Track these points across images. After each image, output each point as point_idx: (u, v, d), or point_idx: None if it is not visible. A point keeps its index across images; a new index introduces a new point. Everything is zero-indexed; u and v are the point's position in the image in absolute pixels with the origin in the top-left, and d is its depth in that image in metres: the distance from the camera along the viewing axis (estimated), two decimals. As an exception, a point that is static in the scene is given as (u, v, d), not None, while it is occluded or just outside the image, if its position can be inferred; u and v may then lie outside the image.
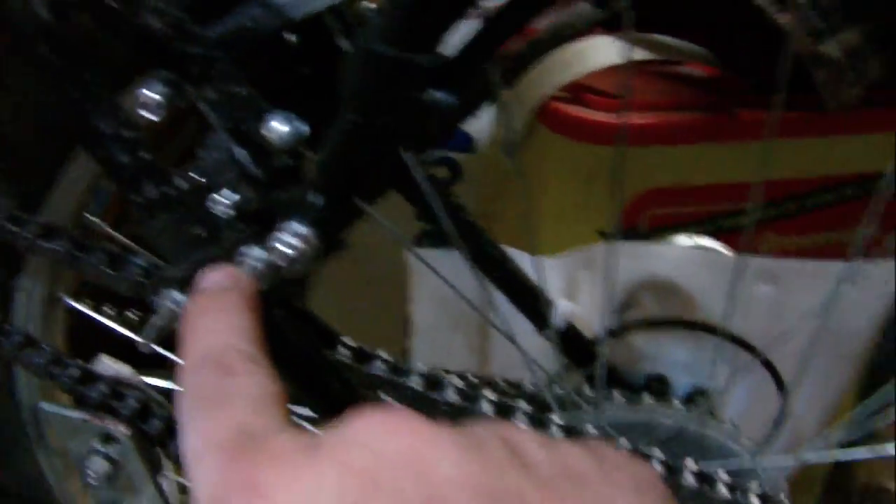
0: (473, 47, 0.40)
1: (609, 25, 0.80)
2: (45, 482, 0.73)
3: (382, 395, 0.53)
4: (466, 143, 0.90)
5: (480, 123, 0.89)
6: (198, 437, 0.28)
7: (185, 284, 0.46)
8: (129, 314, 0.70)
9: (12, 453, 0.70)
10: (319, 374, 0.52)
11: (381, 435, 0.24)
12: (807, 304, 0.60)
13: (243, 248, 0.44)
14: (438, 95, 0.39)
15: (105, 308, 0.69)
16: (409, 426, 0.24)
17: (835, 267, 0.75)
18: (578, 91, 0.81)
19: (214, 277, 0.38)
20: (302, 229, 0.43)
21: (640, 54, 0.83)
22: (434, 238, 0.94)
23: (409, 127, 0.40)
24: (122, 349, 0.63)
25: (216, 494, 0.25)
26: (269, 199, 0.45)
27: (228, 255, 0.44)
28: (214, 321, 0.34)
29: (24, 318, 0.62)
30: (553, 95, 0.81)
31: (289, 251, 0.42)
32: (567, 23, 0.76)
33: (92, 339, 0.66)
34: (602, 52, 0.79)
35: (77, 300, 0.64)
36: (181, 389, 0.31)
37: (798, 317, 0.60)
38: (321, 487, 0.23)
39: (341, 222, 0.45)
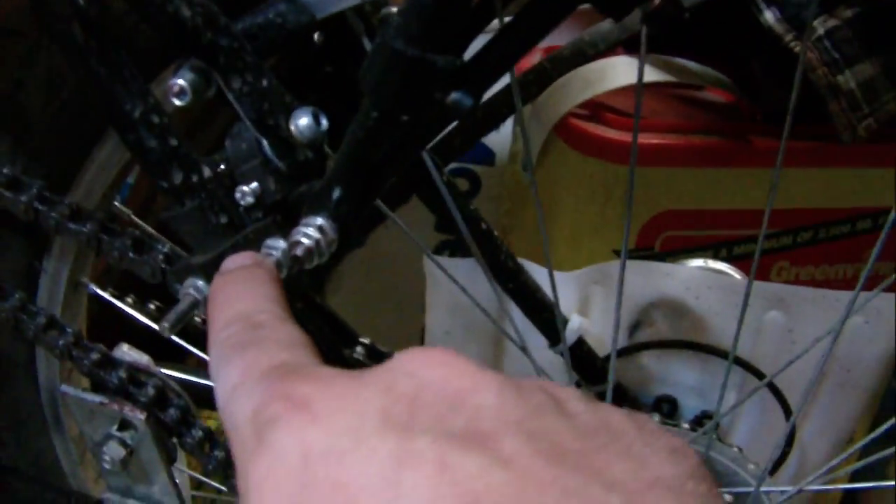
0: (489, 54, 0.41)
1: (630, 46, 0.82)
2: (60, 467, 0.74)
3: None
4: (487, 157, 0.92)
5: (501, 138, 0.91)
6: (234, 374, 0.27)
7: (209, 272, 0.48)
8: (151, 306, 0.72)
9: (28, 436, 0.72)
10: (334, 366, 0.54)
11: (425, 366, 0.25)
12: (816, 332, 0.61)
13: (268, 240, 0.45)
14: (454, 96, 0.40)
15: (126, 299, 0.71)
16: (453, 361, 0.25)
17: (845, 297, 0.76)
18: (597, 109, 0.83)
19: (238, 259, 0.39)
20: (320, 221, 0.44)
21: (660, 77, 0.84)
22: (453, 249, 0.95)
23: (426, 125, 0.42)
24: (141, 341, 0.64)
25: (257, 410, 0.25)
26: (291, 191, 0.46)
27: (251, 245, 0.46)
28: (242, 290, 0.35)
29: (46, 300, 0.64)
30: (572, 112, 0.82)
31: (306, 242, 0.43)
32: (589, 41, 0.77)
33: (111, 331, 0.68)
34: (622, 71, 0.80)
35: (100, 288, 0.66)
36: (212, 346, 0.30)
37: (806, 345, 0.61)
38: (365, 407, 0.23)
39: (359, 217, 0.46)
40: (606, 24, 0.79)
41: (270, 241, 0.46)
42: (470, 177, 0.93)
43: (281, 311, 0.32)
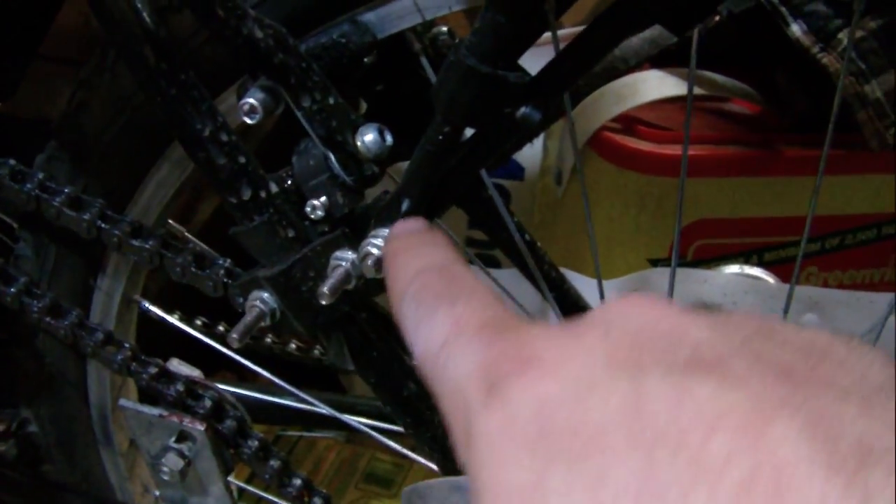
0: (555, 70, 0.43)
1: (658, 61, 0.84)
2: (108, 482, 0.75)
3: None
4: (517, 172, 0.93)
5: (532, 153, 0.92)
6: (442, 328, 0.27)
7: (276, 285, 0.49)
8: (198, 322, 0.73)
9: (79, 452, 0.73)
10: (397, 375, 0.55)
11: (633, 310, 0.25)
12: (850, 333, 0.61)
13: (337, 252, 0.47)
14: (524, 110, 0.42)
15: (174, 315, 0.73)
16: (658, 304, 0.25)
17: (879, 298, 0.77)
18: (629, 122, 0.85)
19: (411, 224, 0.38)
20: (388, 232, 0.45)
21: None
22: (486, 263, 0.96)
23: (494, 139, 0.43)
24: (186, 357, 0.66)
25: (484, 368, 0.25)
26: (358, 204, 0.48)
27: (320, 257, 0.47)
28: (429, 242, 0.34)
29: (100, 317, 0.65)
30: (605, 126, 0.84)
31: (377, 252, 0.44)
32: (620, 57, 0.79)
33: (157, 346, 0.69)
34: (653, 85, 0.82)
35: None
36: (403, 298, 0.30)
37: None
38: (590, 355, 0.24)
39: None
40: (636, 40, 0.81)
41: (339, 253, 0.47)
42: (499, 191, 0.95)
43: (468, 267, 0.32)
